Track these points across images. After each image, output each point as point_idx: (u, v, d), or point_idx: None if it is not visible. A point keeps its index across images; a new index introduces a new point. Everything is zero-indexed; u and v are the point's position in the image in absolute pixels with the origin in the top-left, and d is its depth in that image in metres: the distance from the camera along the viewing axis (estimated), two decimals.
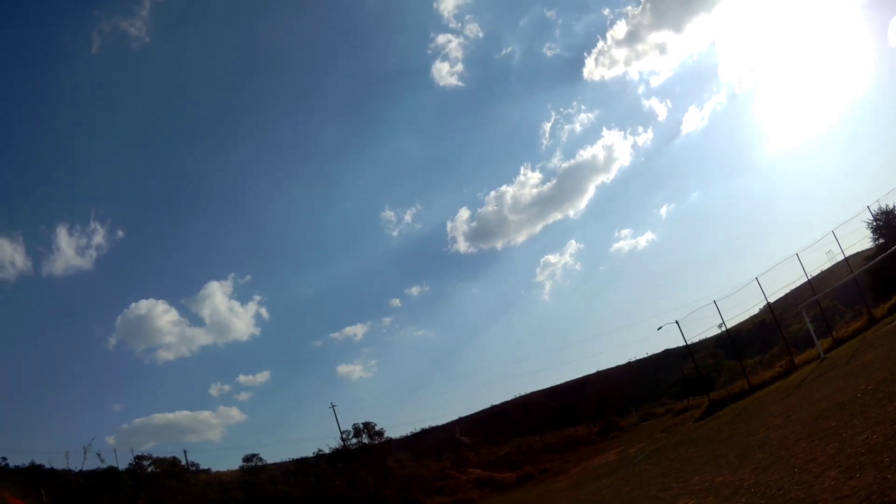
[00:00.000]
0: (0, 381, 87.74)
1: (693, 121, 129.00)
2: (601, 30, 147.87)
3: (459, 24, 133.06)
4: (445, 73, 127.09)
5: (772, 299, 39.82)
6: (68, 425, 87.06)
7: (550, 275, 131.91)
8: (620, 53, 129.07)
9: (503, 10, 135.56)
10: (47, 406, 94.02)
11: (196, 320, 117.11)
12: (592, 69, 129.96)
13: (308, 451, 47.75)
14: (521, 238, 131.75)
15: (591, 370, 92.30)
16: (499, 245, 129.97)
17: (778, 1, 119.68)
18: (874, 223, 36.49)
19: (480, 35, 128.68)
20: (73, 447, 51.05)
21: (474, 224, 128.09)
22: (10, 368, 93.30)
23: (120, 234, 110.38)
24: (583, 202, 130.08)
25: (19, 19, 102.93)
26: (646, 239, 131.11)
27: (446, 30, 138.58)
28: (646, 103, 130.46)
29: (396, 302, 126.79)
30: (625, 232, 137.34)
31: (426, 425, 77.44)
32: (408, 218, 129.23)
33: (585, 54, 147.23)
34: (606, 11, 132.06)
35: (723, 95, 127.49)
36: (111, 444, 79.62)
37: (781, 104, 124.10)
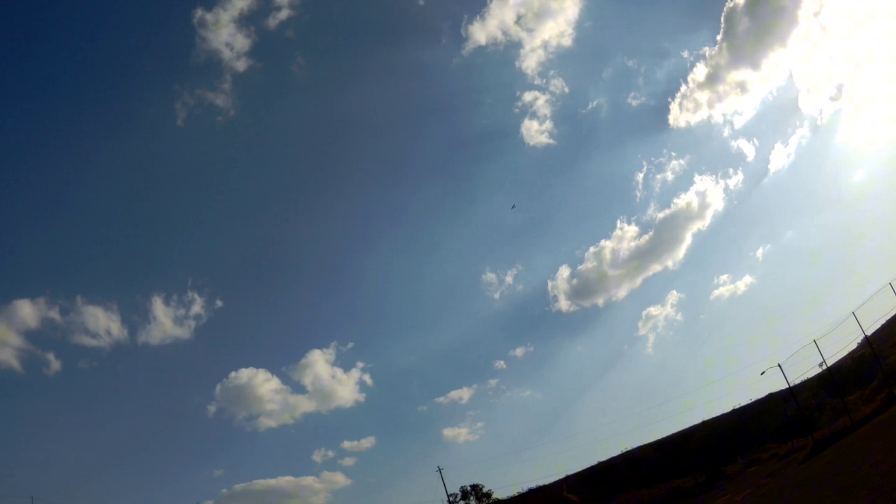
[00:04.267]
0: (98, 449, 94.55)
1: (780, 158, 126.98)
2: (682, 73, 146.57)
3: (544, 81, 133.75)
4: (535, 132, 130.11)
5: (869, 331, 39.81)
6: (167, 491, 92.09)
7: (653, 327, 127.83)
8: (703, 96, 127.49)
9: (585, 62, 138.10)
10: (147, 472, 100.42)
11: (298, 388, 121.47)
12: (677, 115, 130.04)
13: None
14: (622, 293, 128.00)
15: (697, 420, 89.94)
16: (600, 301, 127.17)
17: (851, 27, 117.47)
18: None
19: (566, 90, 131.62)
20: None
21: (575, 282, 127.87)
22: (109, 434, 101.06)
23: (219, 303, 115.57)
24: (681, 251, 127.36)
25: (107, 96, 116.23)
26: (745, 283, 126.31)
27: (531, 87, 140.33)
28: (733, 144, 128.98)
29: (501, 364, 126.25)
30: (723, 278, 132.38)
31: (533, 485, 77.76)
32: (509, 279, 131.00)
33: (669, 100, 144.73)
34: (686, 54, 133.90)
35: (806, 128, 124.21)
36: None
37: (863, 131, 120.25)
